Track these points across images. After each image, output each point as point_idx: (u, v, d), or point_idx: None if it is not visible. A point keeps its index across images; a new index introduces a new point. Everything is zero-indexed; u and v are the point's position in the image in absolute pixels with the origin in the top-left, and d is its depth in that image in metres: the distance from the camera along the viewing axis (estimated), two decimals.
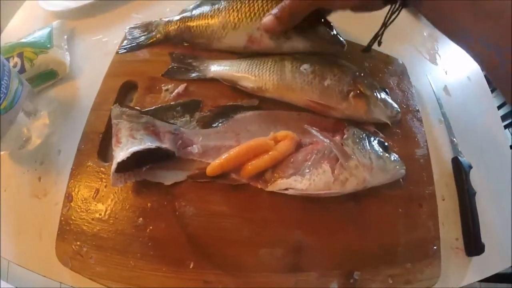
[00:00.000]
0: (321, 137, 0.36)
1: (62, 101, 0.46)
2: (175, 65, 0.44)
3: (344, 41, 0.44)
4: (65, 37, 0.51)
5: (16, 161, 0.43)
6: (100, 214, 0.36)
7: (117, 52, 0.46)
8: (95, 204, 0.37)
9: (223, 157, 0.34)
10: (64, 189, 0.38)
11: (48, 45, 0.48)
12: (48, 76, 0.47)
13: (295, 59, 0.42)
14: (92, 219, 0.36)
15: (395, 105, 0.43)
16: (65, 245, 0.36)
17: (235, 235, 0.35)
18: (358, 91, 0.40)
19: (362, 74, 0.42)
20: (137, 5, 0.57)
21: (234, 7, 0.43)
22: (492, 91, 0.61)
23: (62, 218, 0.37)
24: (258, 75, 0.41)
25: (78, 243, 0.35)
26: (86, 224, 0.36)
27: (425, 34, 0.62)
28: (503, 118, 0.95)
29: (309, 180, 0.34)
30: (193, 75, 0.43)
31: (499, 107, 0.92)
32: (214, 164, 0.34)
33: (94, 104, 0.42)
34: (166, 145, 0.34)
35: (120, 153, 0.33)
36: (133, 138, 0.34)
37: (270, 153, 0.35)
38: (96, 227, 0.36)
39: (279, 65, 0.41)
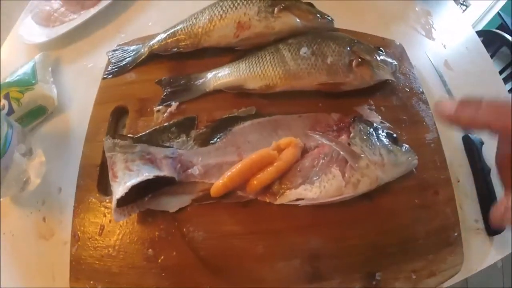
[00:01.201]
0: (326, 141, 0.33)
1: (55, 136, 0.44)
2: (168, 90, 0.41)
3: (330, 17, 0.43)
4: (50, 69, 0.49)
5: (19, 204, 0.41)
6: (108, 250, 0.34)
7: (103, 78, 0.44)
8: (102, 241, 0.35)
9: (226, 176, 0.32)
10: (69, 227, 0.36)
11: (33, 81, 0.45)
12: (38, 113, 0.45)
13: (290, 45, 0.40)
14: (102, 256, 0.34)
15: (392, 60, 0.42)
16: (79, 285, 0.34)
17: (250, 252, 0.32)
18: (359, 59, 0.39)
19: (356, 41, 0.41)
20: (119, 24, 0.54)
21: (217, 4, 0.42)
22: (491, 56, 0.57)
23: (72, 258, 0.35)
24: (261, 72, 0.38)
25: (91, 282, 0.34)
26: (96, 261, 0.34)
27: (417, 9, 0.57)
28: (505, 81, 0.90)
29: (319, 187, 0.31)
30: (193, 94, 0.40)
31: (500, 72, 0.87)
32: (218, 185, 0.32)
33: (87, 136, 0.40)
34: (164, 172, 0.32)
35: (119, 189, 0.31)
36: (129, 171, 0.31)
37: (275, 164, 0.32)
38: (107, 263, 0.34)
39: (277, 56, 0.39)
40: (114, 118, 0.41)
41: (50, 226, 0.39)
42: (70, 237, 0.36)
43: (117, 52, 0.45)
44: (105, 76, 0.43)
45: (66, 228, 0.38)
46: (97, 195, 0.37)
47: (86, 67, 0.49)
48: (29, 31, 0.54)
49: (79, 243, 0.35)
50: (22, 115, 0.44)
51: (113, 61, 0.44)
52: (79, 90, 0.47)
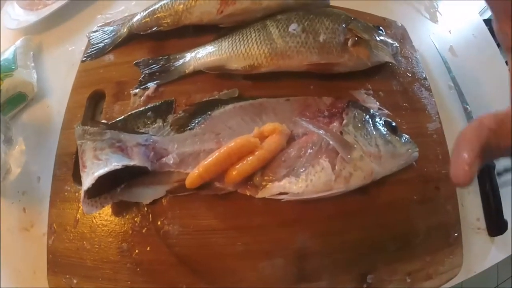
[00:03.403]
0: (314, 129, 0.28)
1: (35, 124, 0.40)
2: (146, 72, 0.36)
3: None
4: (31, 53, 0.45)
5: (1, 194, 0.38)
6: (83, 243, 0.31)
7: (82, 61, 0.39)
8: (77, 233, 0.31)
9: (201, 165, 0.27)
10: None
11: (13, 67, 0.41)
12: (18, 100, 0.41)
13: (279, 22, 0.34)
14: (77, 249, 0.31)
15: (393, 41, 0.37)
16: (56, 279, 0.31)
17: (229, 249, 0.28)
18: (356, 38, 0.34)
19: (353, 18, 0.35)
20: (102, 4, 0.49)
21: None
22: (498, 45, 0.50)
23: (48, 251, 0.32)
24: (245, 51, 0.33)
25: (67, 276, 0.31)
26: (72, 255, 0.31)
27: None
28: None
29: (305, 181, 0.27)
30: (171, 76, 0.35)
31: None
32: (193, 176, 0.27)
33: (63, 123, 0.36)
34: (135, 161, 0.28)
35: (87, 179, 0.27)
36: (98, 160, 0.27)
37: (256, 153, 0.27)
38: (82, 256, 0.31)
39: (264, 33, 0.34)
40: (92, 104, 0.37)
41: (30, 217, 0.36)
42: (47, 228, 0.33)
43: (97, 33, 0.41)
44: (84, 59, 0.39)
45: (45, 219, 0.34)
46: (72, 184, 0.33)
47: (67, 51, 0.45)
48: (13, 16, 0.50)
49: (55, 235, 0.32)
50: (2, 102, 0.40)
51: (92, 43, 0.40)
52: (60, 75, 0.43)
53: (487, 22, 0.54)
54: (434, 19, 0.49)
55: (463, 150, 0.17)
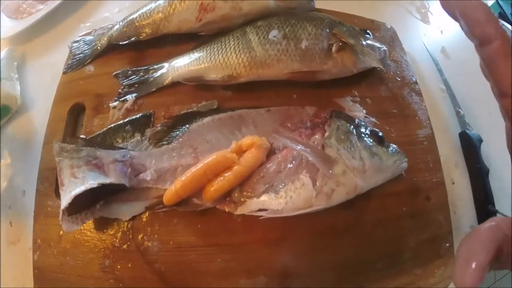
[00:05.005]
0: (292, 145, 0.27)
1: (20, 137, 0.41)
2: (125, 84, 0.36)
3: None
4: (15, 64, 0.45)
5: None
6: (67, 258, 0.32)
7: (63, 73, 0.39)
8: (61, 249, 0.32)
9: (177, 182, 0.27)
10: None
11: None
12: (1, 113, 0.42)
13: (259, 28, 0.34)
14: (61, 264, 0.32)
15: (381, 45, 0.36)
16: None
17: (208, 266, 0.29)
18: (340, 43, 0.33)
19: (338, 22, 0.34)
20: (85, 13, 0.49)
21: None
22: None
23: (34, 266, 0.33)
24: (223, 61, 0.33)
25: None
26: (56, 270, 0.32)
27: None
28: None
29: (284, 197, 0.26)
30: (150, 87, 0.35)
31: None
32: (169, 192, 0.28)
33: (45, 137, 0.37)
34: (111, 179, 0.28)
35: (64, 198, 0.27)
36: (75, 178, 0.28)
37: (234, 169, 0.27)
38: (66, 272, 0.32)
39: (243, 41, 0.33)
40: (73, 117, 0.37)
41: (16, 231, 0.37)
42: (32, 244, 0.33)
43: (78, 43, 0.41)
44: (65, 70, 0.39)
45: (30, 233, 0.35)
46: (55, 200, 0.34)
47: (50, 62, 0.45)
48: None
49: (40, 250, 0.33)
50: None
51: (73, 53, 0.40)
52: (43, 86, 0.43)
53: None
54: (425, 20, 0.48)
55: (476, 253, 0.15)
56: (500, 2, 1.20)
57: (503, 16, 1.18)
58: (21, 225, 0.37)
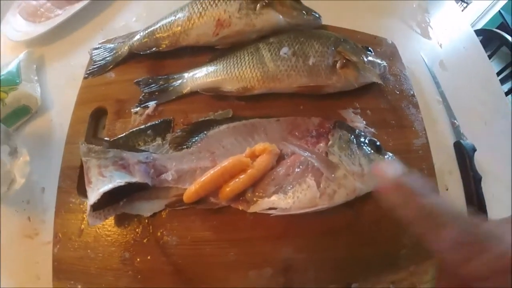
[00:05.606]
0: (300, 152, 0.31)
1: (39, 136, 0.44)
2: (146, 91, 0.39)
3: (317, 14, 0.41)
4: (35, 67, 0.48)
5: (5, 203, 0.42)
6: (87, 252, 0.34)
7: (84, 78, 0.42)
8: (81, 242, 0.35)
9: (197, 183, 0.31)
10: (52, 227, 0.36)
11: (17, 80, 0.45)
12: (22, 113, 0.44)
13: (271, 45, 0.38)
14: (81, 257, 0.34)
15: (381, 61, 0.40)
16: (61, 284, 0.34)
17: (221, 259, 0.32)
18: (344, 60, 0.37)
19: (342, 40, 0.38)
20: (103, 20, 0.52)
21: (197, 1, 0.40)
22: (490, 55, 0.53)
23: (54, 258, 0.35)
24: (239, 74, 0.36)
25: (72, 282, 0.34)
26: (76, 262, 0.35)
27: (414, 5, 0.53)
28: (504, 81, 0.84)
29: (292, 198, 0.30)
30: (170, 95, 0.39)
31: (500, 72, 0.81)
32: (190, 191, 0.31)
33: (67, 138, 0.40)
34: (136, 178, 0.31)
35: (92, 195, 0.30)
36: (102, 177, 0.31)
37: (248, 171, 0.31)
38: (86, 264, 0.34)
39: (257, 56, 0.37)
40: (94, 120, 0.40)
41: (34, 225, 0.39)
42: (52, 237, 0.36)
43: (98, 50, 0.44)
44: (86, 75, 0.42)
45: (49, 228, 0.38)
46: (77, 196, 0.36)
47: (69, 65, 0.48)
48: (16, 27, 0.53)
49: (60, 243, 0.35)
50: (6, 115, 0.43)
51: (94, 59, 0.43)
52: (62, 89, 0.46)
53: (478, 32, 0.58)
54: (425, 34, 0.52)
55: None
56: (502, 12, 1.27)
57: (505, 26, 1.25)
58: (39, 220, 0.39)
